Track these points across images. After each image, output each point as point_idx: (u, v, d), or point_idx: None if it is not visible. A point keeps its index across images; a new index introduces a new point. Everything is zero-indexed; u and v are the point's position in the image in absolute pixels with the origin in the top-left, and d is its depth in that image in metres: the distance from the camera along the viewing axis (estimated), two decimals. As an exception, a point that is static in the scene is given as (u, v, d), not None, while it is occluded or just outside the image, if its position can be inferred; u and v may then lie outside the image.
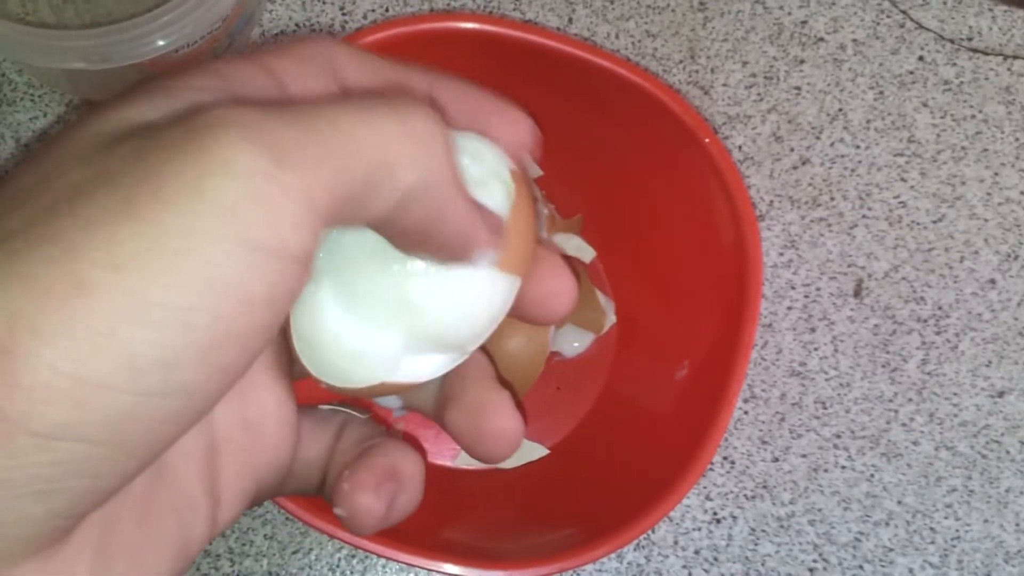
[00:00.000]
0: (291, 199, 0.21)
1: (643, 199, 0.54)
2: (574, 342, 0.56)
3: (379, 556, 0.47)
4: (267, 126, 0.21)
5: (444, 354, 0.28)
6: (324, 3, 0.57)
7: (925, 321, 0.57)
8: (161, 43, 0.46)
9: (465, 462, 0.54)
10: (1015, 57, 0.60)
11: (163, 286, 0.20)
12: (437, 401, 0.31)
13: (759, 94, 0.58)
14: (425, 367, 0.28)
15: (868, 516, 0.55)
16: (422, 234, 0.24)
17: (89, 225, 0.20)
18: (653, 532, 0.55)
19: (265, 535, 0.53)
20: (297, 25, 0.56)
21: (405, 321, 0.27)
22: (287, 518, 0.53)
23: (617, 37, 0.58)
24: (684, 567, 0.54)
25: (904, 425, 0.56)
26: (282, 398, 0.28)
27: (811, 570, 0.55)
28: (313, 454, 0.31)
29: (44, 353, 0.19)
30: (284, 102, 0.25)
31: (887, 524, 0.55)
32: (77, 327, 0.19)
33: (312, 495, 0.31)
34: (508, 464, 0.54)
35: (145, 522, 0.24)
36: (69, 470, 0.20)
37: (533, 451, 0.55)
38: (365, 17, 0.57)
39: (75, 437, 0.20)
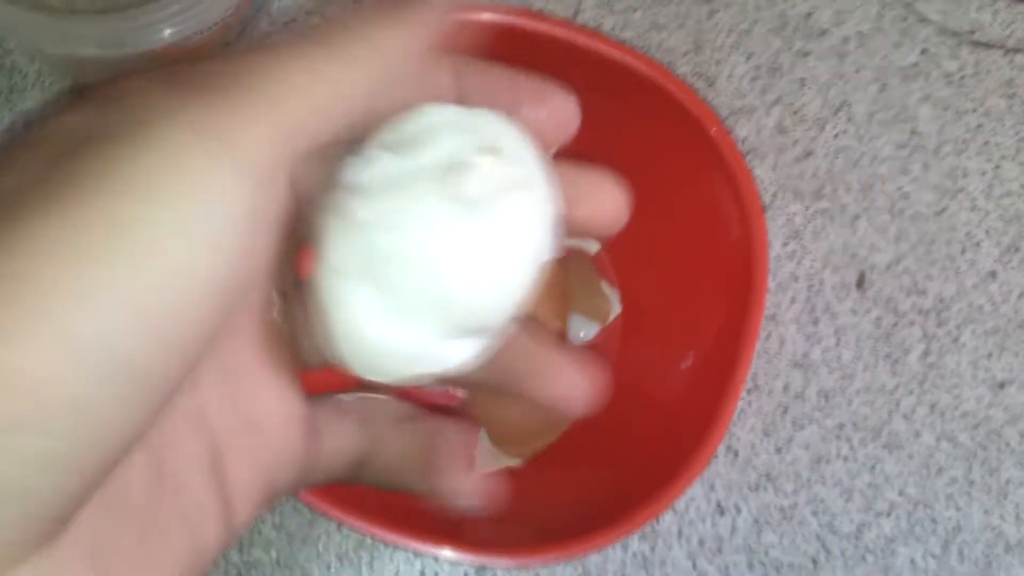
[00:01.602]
0: (227, 163, 0.21)
1: (648, 189, 0.54)
2: (579, 331, 0.56)
3: (388, 543, 0.48)
4: (196, 100, 0.22)
5: (481, 337, 0.28)
6: (331, -8, 0.57)
7: (927, 313, 0.58)
8: (170, 31, 0.46)
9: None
10: (1017, 51, 0.60)
11: (103, 273, 0.20)
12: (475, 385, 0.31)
13: (764, 86, 0.59)
14: (464, 352, 0.28)
15: (870, 507, 0.56)
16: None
17: (22, 219, 0.20)
18: (657, 522, 0.55)
19: (273, 524, 0.53)
20: (307, 14, 0.56)
21: (441, 310, 0.26)
22: (295, 507, 0.53)
23: (623, 28, 0.58)
24: (688, 557, 0.55)
25: (906, 416, 0.57)
26: (285, 393, 0.28)
27: (814, 560, 0.55)
28: (341, 443, 0.30)
29: None
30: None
31: (889, 514, 0.56)
32: (20, 319, 0.19)
33: (345, 483, 0.31)
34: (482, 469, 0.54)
35: (150, 532, 0.24)
36: (33, 468, 0.20)
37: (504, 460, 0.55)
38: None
39: (33, 431, 0.19)
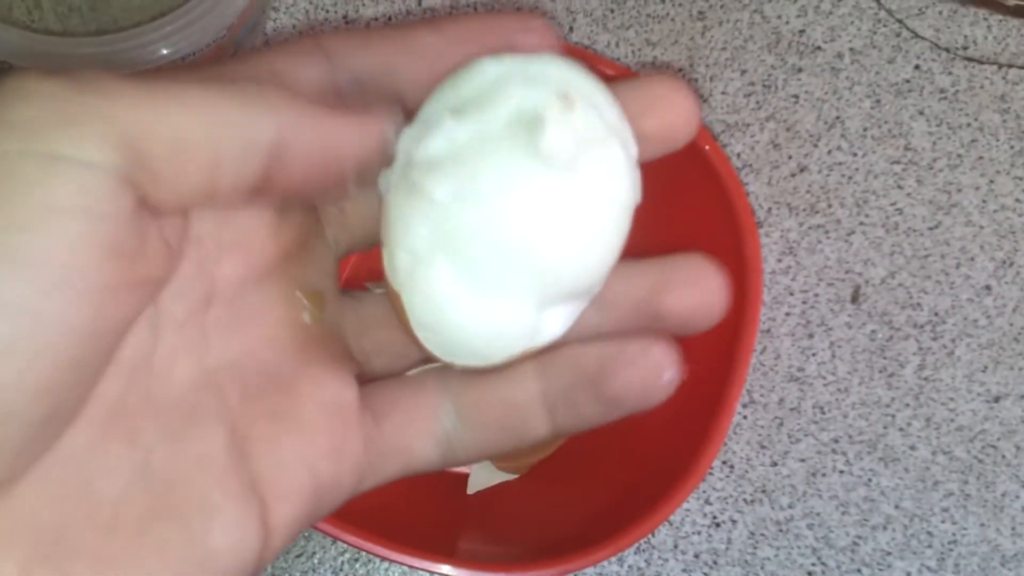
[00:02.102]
0: (92, 117, 0.21)
1: (643, 205, 0.55)
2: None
3: (382, 559, 0.48)
4: (80, 72, 0.21)
5: (574, 302, 0.27)
6: (327, 12, 0.57)
7: (922, 327, 0.58)
8: (165, 51, 0.46)
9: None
10: (1010, 66, 0.61)
11: None
12: None
13: (757, 102, 0.59)
14: (558, 321, 0.27)
15: (866, 520, 0.56)
16: (313, 177, 0.25)
17: None
18: (653, 536, 0.55)
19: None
20: (300, 33, 0.57)
21: (536, 280, 0.25)
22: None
23: (617, 46, 0.59)
24: (684, 571, 0.55)
25: (901, 430, 0.57)
26: (319, 379, 0.27)
27: (810, 574, 0.55)
28: (422, 426, 0.29)
29: None
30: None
31: (885, 528, 0.56)
32: None
33: (437, 469, 0.30)
34: (474, 488, 0.55)
35: (123, 531, 0.23)
36: None
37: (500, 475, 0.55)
38: (369, 26, 0.57)
39: None
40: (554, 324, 0.27)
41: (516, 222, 0.24)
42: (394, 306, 0.26)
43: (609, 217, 0.26)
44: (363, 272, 0.52)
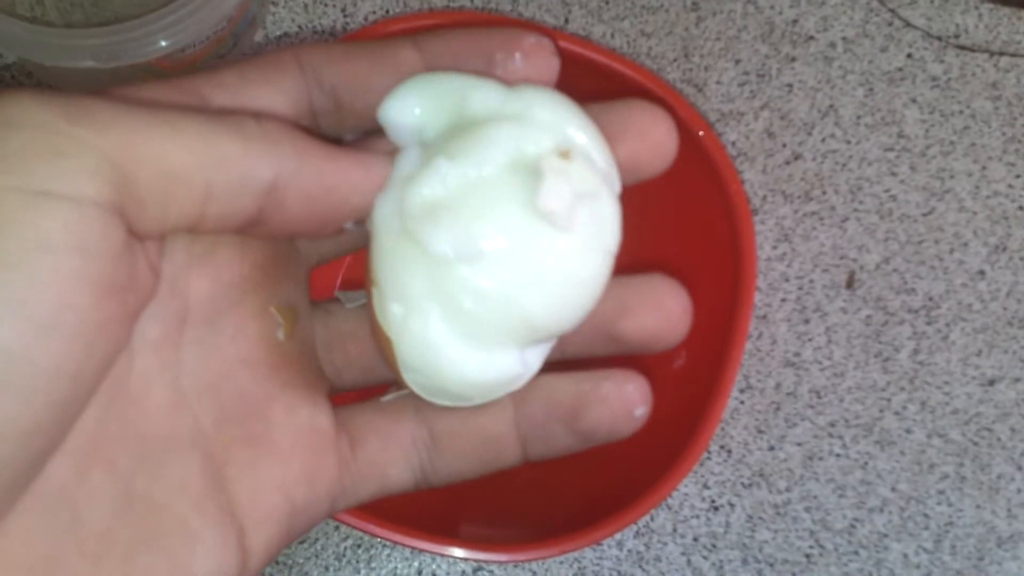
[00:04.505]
0: (82, 149, 0.20)
1: (637, 192, 0.55)
2: (573, 334, 0.57)
3: (387, 541, 0.48)
4: (73, 98, 0.21)
5: (551, 341, 0.27)
6: (326, 5, 0.58)
7: (916, 312, 0.58)
8: (165, 43, 0.47)
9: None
10: (1001, 54, 0.61)
11: None
12: None
13: (752, 91, 0.60)
14: (537, 360, 0.27)
15: (863, 503, 0.57)
16: (311, 218, 0.24)
17: None
18: (652, 520, 0.56)
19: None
20: (300, 27, 0.57)
21: (527, 330, 0.25)
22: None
23: (612, 37, 0.60)
24: (683, 554, 0.55)
25: (897, 414, 0.57)
26: (293, 404, 0.27)
27: (807, 556, 0.56)
28: (398, 454, 0.29)
29: None
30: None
31: (881, 510, 0.57)
32: None
33: (414, 491, 0.30)
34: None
35: (110, 558, 0.23)
36: None
37: None
38: (366, 19, 0.58)
39: None
40: (533, 363, 0.27)
41: (514, 278, 0.25)
42: (379, 343, 0.27)
43: (600, 267, 0.26)
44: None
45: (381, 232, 0.25)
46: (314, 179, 0.24)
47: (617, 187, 0.27)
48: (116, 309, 0.22)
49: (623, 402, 0.29)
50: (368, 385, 0.31)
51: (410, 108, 0.26)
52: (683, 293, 0.30)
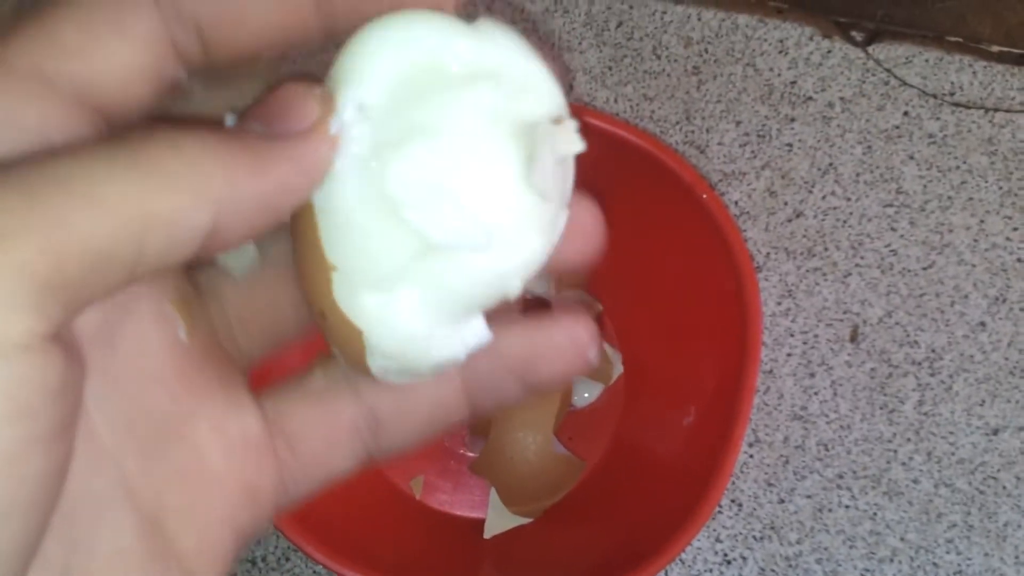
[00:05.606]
0: (3, 277, 0.18)
1: (646, 254, 0.57)
2: (584, 393, 0.58)
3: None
4: None
5: (491, 311, 0.25)
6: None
7: (920, 364, 0.59)
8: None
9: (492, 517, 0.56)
10: (996, 110, 0.63)
11: None
12: None
13: (753, 151, 0.61)
14: (483, 330, 0.25)
15: (873, 553, 0.57)
16: (250, 233, 0.21)
17: None
18: (666, 574, 0.56)
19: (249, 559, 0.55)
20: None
21: (498, 297, 0.24)
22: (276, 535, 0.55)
23: (616, 101, 0.61)
24: (697, 607, 0.56)
25: (904, 464, 0.58)
26: (216, 416, 0.25)
27: (819, 607, 0.57)
28: (341, 445, 0.27)
29: None
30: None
31: (891, 560, 0.57)
32: None
33: (363, 468, 0.27)
34: (490, 532, 0.56)
35: None
36: None
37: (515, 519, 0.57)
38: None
39: None
40: (478, 334, 0.25)
41: (507, 254, 0.23)
42: (332, 328, 0.24)
43: (563, 223, 0.25)
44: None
45: (342, 212, 0.23)
46: (253, 200, 0.21)
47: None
48: (65, 443, 0.20)
49: (576, 348, 0.27)
50: (275, 349, 0.28)
51: (379, 62, 0.23)
52: (585, 328, 0.27)
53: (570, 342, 0.27)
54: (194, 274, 0.26)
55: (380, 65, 0.23)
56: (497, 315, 0.26)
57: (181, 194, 0.20)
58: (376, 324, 0.23)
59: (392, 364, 0.24)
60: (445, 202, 0.23)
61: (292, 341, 0.28)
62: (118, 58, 0.21)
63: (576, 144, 0.24)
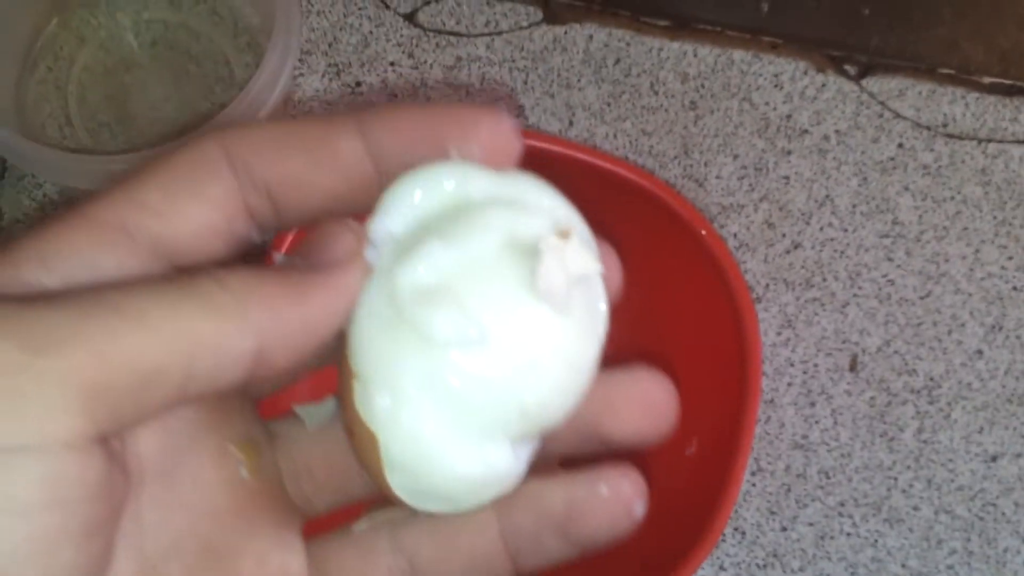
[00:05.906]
0: (45, 385, 0.19)
1: (646, 290, 0.57)
2: (587, 425, 0.59)
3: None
4: (24, 314, 0.19)
5: (538, 440, 0.26)
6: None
7: (918, 392, 0.60)
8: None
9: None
10: (989, 140, 0.64)
11: None
12: None
13: (750, 184, 0.62)
14: (524, 460, 0.25)
15: (875, 580, 0.58)
16: (296, 359, 0.23)
17: None
18: (671, 603, 0.57)
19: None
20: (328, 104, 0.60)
21: (523, 422, 0.24)
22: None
23: (615, 137, 0.62)
24: (702, 636, 0.57)
25: (904, 491, 0.59)
26: (263, 552, 0.25)
27: (823, 634, 0.57)
28: None
29: None
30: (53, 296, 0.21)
31: (893, 587, 0.58)
32: None
33: None
34: None
35: None
36: None
37: None
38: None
39: None
40: (523, 460, 0.25)
41: (515, 364, 0.23)
42: (359, 445, 0.25)
43: (594, 353, 0.25)
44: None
45: (364, 323, 0.24)
46: (296, 327, 0.22)
47: (602, 268, 0.26)
48: (99, 543, 0.21)
49: (621, 503, 0.27)
50: (342, 506, 0.29)
51: (409, 199, 0.25)
52: (668, 386, 0.27)
53: (614, 495, 0.27)
54: (273, 420, 0.28)
55: (409, 198, 0.25)
56: (536, 468, 0.26)
57: (226, 321, 0.21)
58: (389, 428, 0.24)
59: (409, 480, 0.24)
60: (443, 299, 0.23)
61: (360, 500, 0.29)
62: (194, 218, 0.23)
63: (588, 263, 0.24)
